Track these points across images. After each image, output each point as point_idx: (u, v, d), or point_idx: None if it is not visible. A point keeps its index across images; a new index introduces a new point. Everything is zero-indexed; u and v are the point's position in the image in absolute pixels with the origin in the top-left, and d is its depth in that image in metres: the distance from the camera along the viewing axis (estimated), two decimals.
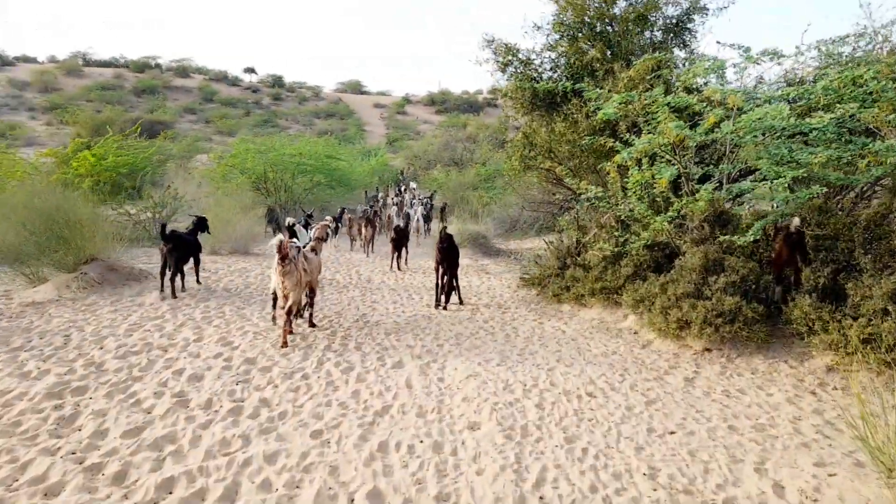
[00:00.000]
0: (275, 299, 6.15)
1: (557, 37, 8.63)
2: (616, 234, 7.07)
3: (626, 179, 7.06)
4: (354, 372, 4.98)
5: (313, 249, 6.17)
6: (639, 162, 6.44)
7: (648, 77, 7.53)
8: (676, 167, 6.24)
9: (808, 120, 5.63)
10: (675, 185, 6.80)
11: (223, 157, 19.58)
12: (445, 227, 7.73)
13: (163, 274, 7.30)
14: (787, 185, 5.76)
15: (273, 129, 43.01)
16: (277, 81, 65.68)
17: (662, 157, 6.43)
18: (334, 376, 4.87)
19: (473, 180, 21.76)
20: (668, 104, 6.22)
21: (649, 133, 6.51)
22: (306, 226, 10.96)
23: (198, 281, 8.17)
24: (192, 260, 7.96)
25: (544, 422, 4.10)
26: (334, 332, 6.24)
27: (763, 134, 6.01)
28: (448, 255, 7.65)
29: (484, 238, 14.70)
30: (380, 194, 25.42)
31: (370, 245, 13.37)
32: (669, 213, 6.17)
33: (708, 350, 5.54)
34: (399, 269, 10.88)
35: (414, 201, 19.85)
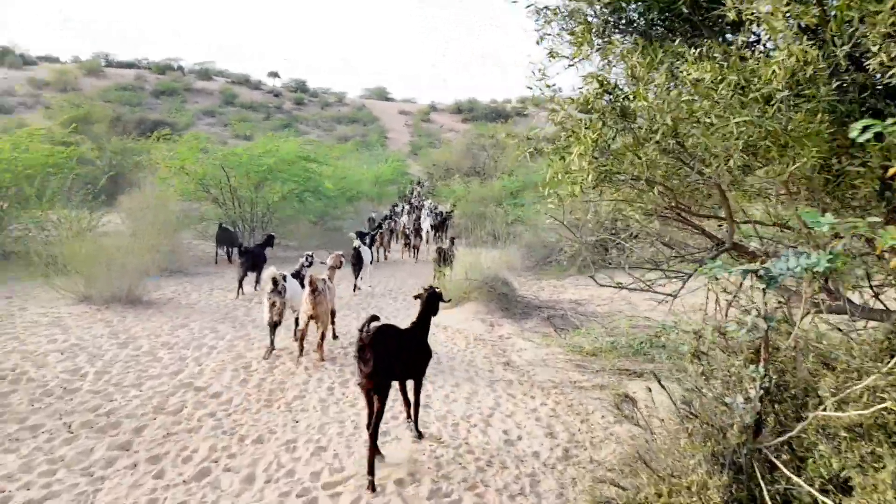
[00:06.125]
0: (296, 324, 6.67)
1: None
2: None
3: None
4: None
5: (330, 278, 6.67)
6: None
7: None
8: None
9: None
10: None
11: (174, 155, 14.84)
12: (374, 318, 3.22)
13: (240, 283, 9.38)
14: None
15: (293, 133, 39.53)
16: (301, 86, 62.86)
17: None
18: None
19: (498, 194, 16.73)
20: None
21: None
22: (373, 237, 11.96)
23: (255, 289, 9.68)
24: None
25: None
26: None
27: None
28: (380, 371, 3.08)
29: (505, 285, 9.57)
30: (399, 206, 21.72)
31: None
32: None
33: None
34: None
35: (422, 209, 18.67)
